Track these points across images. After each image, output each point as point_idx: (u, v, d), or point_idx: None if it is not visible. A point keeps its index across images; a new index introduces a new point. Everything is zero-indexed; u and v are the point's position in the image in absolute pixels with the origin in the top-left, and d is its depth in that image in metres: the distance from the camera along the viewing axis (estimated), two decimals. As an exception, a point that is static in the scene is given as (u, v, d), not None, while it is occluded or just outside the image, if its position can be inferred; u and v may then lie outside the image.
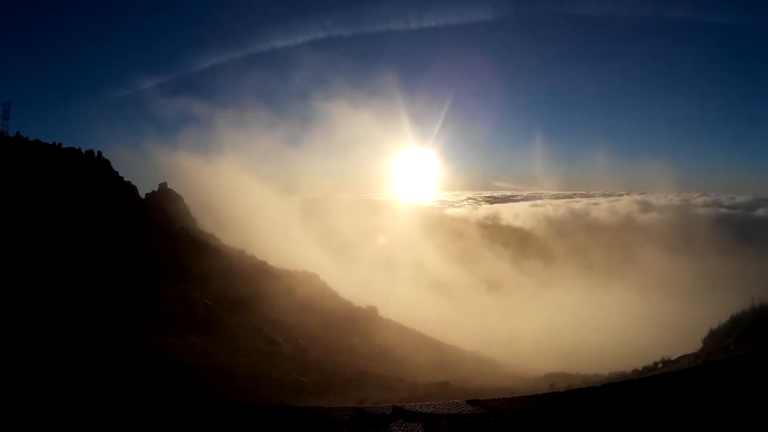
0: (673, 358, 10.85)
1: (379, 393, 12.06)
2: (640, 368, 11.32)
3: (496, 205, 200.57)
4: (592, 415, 4.16)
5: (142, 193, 33.97)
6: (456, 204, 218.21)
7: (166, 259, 24.67)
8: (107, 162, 33.18)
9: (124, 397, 6.55)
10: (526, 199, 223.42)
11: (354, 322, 26.42)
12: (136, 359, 10.04)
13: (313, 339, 21.09)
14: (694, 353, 10.50)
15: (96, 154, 33.01)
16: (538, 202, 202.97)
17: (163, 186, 37.45)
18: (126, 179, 33.48)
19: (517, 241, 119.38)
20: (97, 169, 31.54)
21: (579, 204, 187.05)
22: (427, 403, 4.59)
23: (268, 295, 26.63)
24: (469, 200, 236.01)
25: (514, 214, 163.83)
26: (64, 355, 8.94)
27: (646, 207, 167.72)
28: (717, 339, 10.53)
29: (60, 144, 31.49)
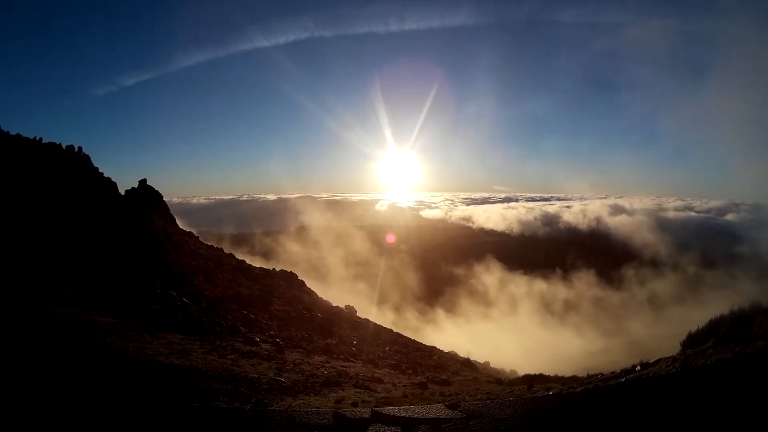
0: (652, 360, 10.93)
1: (356, 393, 12.00)
2: (619, 370, 11.37)
3: (471, 207, 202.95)
4: (572, 420, 4.17)
5: (121, 190, 33.61)
6: (432, 205, 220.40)
7: (144, 257, 24.42)
8: (87, 157, 32.84)
9: (99, 400, 6.45)
10: (502, 201, 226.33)
11: (332, 321, 26.37)
12: (112, 358, 9.89)
13: (291, 339, 21.00)
14: (672, 356, 10.58)
15: (76, 150, 32.65)
16: (513, 204, 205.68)
17: (142, 183, 37.17)
18: (106, 175, 33.14)
19: (489, 243, 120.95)
20: (76, 165, 31.15)
21: (553, 207, 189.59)
22: (406, 407, 4.58)
23: (246, 295, 26.54)
24: (446, 201, 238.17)
25: (486, 216, 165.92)
26: (37, 353, 8.77)
27: (616, 210, 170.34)
28: (696, 342, 10.60)
29: (41, 139, 31.08)
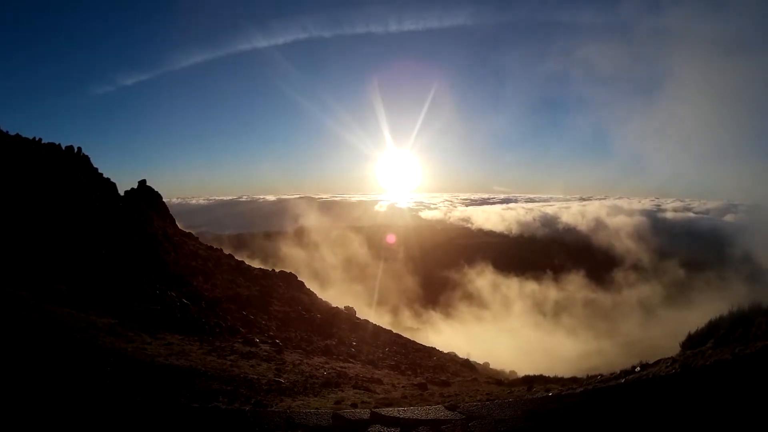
0: (652, 361, 10.92)
1: (356, 394, 11.99)
2: (618, 371, 11.37)
3: (471, 208, 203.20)
4: (572, 421, 4.16)
5: (121, 191, 33.60)
6: (432, 206, 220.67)
7: (143, 258, 24.39)
8: (87, 158, 32.86)
9: (98, 401, 6.43)
10: (502, 202, 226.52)
11: (331, 322, 26.34)
12: (111, 359, 9.87)
13: (290, 339, 20.97)
14: (672, 357, 10.57)
15: (76, 150, 32.66)
16: (512, 205, 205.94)
17: (142, 183, 37.16)
18: (105, 176, 33.15)
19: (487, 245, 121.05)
20: (76, 165, 31.14)
21: (552, 208, 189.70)
22: (405, 408, 4.57)
23: (245, 295, 26.51)
24: (446, 202, 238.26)
25: (485, 217, 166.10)
26: (35, 354, 8.76)
27: (615, 211, 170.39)
28: (695, 343, 10.61)
29: (40, 139, 31.09)
